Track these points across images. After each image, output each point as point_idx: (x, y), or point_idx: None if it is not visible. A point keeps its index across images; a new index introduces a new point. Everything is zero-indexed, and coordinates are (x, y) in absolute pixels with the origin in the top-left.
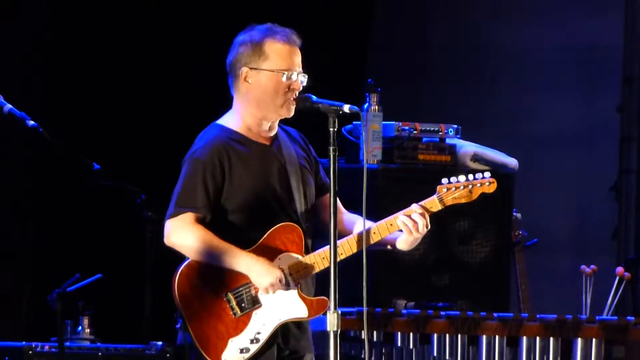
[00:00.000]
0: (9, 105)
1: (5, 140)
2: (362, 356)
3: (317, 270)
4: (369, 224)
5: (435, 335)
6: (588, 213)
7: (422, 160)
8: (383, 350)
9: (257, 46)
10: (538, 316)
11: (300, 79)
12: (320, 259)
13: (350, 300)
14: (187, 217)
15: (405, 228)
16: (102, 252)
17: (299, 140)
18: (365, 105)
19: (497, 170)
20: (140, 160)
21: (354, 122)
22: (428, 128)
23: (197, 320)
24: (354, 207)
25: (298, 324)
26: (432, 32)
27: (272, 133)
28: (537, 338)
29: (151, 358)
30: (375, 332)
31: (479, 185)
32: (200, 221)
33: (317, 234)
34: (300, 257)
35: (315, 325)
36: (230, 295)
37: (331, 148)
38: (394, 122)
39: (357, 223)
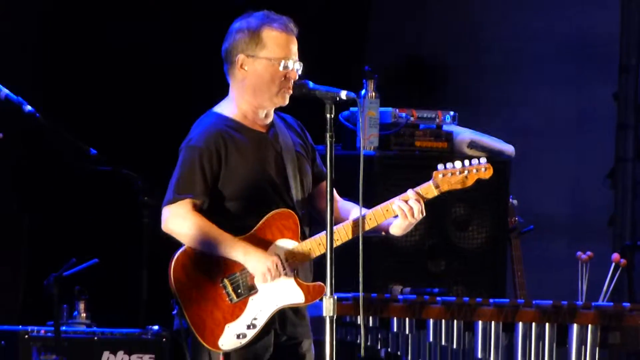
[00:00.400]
0: (6, 91)
1: (2, 125)
2: (358, 341)
3: (313, 256)
4: (365, 210)
5: (431, 321)
6: (584, 200)
7: (419, 147)
8: (379, 336)
9: (254, 34)
10: (534, 302)
11: (297, 68)
12: (316, 245)
13: (347, 286)
14: (185, 204)
15: (401, 213)
16: (98, 237)
17: (296, 127)
18: (362, 92)
19: (494, 157)
20: (137, 145)
21: (351, 109)
22: (425, 115)
23: (193, 306)
24: (350, 194)
25: (295, 309)
26: (430, 21)
27: (268, 120)
28: (533, 324)
29: (147, 343)
30: (371, 318)
31: (474, 171)
32: (198, 208)
33: (313, 220)
34: (296, 243)
35: (312, 311)
36: (226, 281)
37: (328, 134)
38: (390, 109)
39: (353, 210)
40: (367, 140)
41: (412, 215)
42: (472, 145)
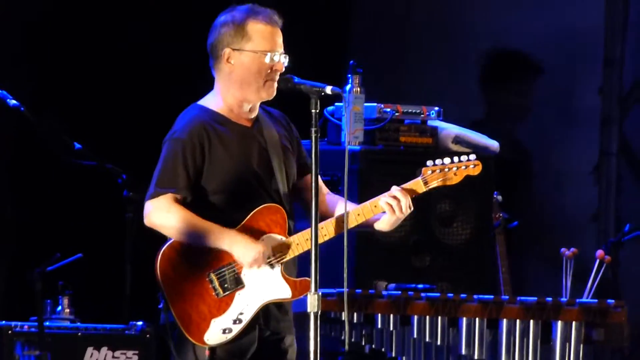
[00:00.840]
0: None
1: None
2: (343, 337)
3: (300, 251)
4: (352, 206)
5: (416, 317)
6: (568, 196)
7: (404, 143)
8: (363, 332)
9: (239, 27)
10: (518, 298)
11: (282, 60)
12: (303, 240)
13: (331, 282)
14: (168, 198)
15: (389, 208)
16: (82, 231)
17: (281, 121)
18: (348, 87)
19: (479, 153)
20: (122, 140)
21: (336, 104)
22: (410, 110)
23: (179, 300)
24: (335, 189)
25: (279, 305)
26: (414, 17)
27: (254, 114)
28: (517, 320)
29: (131, 338)
30: (355, 314)
31: (463, 167)
32: (181, 202)
33: (300, 215)
34: (283, 238)
35: (296, 307)
36: (212, 276)
37: (313, 129)
38: (375, 104)
39: (339, 204)
40: (352, 136)
41: (400, 210)
42: (457, 140)
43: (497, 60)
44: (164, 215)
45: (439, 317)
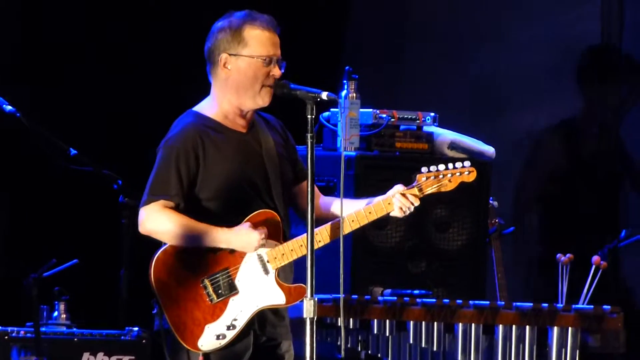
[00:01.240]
0: None
1: None
2: (339, 343)
3: (295, 257)
4: (349, 210)
5: (412, 323)
6: (565, 201)
7: (400, 148)
8: (359, 338)
9: (236, 32)
10: (514, 304)
11: (280, 65)
12: (298, 246)
13: (327, 287)
14: (160, 204)
15: (399, 210)
16: (78, 237)
17: (277, 127)
18: (343, 93)
19: (474, 159)
20: (117, 145)
21: (332, 109)
22: (405, 116)
23: (173, 306)
24: (331, 194)
25: (275, 310)
26: (410, 23)
27: (249, 121)
28: (513, 326)
29: (127, 344)
30: (351, 319)
31: (458, 174)
32: (174, 209)
33: (296, 221)
34: (278, 244)
35: (292, 312)
36: (206, 282)
37: (309, 135)
38: (371, 110)
39: (334, 204)
40: (348, 141)
41: (405, 211)
42: (453, 146)
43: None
44: (158, 220)
45: (435, 323)
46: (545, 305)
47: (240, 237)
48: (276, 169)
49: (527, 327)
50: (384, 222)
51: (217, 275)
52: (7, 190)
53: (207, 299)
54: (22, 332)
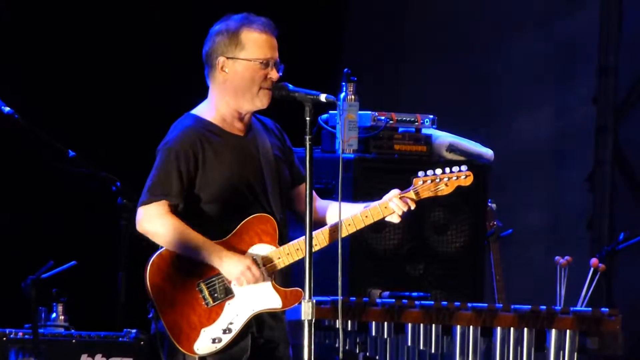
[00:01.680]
0: None
1: None
2: (337, 345)
3: (291, 261)
4: (345, 214)
5: (410, 325)
6: (563, 204)
7: (398, 151)
8: (357, 340)
9: (233, 35)
10: (512, 307)
11: (277, 68)
12: (294, 250)
13: (325, 290)
14: (160, 205)
15: (399, 210)
16: (76, 239)
17: (274, 130)
18: (342, 95)
19: (473, 161)
20: (116, 147)
21: (330, 112)
22: (404, 118)
23: (169, 310)
24: (329, 197)
25: (273, 313)
26: (409, 24)
27: (247, 124)
28: (511, 328)
29: (125, 345)
30: (349, 322)
31: (455, 178)
32: (173, 209)
33: (293, 224)
34: (274, 248)
35: (290, 315)
36: (202, 285)
37: (307, 137)
38: (370, 112)
39: (330, 208)
40: (346, 143)
41: (401, 215)
42: (451, 148)
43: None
44: (155, 223)
45: (433, 325)
46: (544, 307)
47: (228, 262)
48: (273, 172)
49: (525, 329)
50: (382, 224)
51: (213, 279)
52: (5, 191)
53: (203, 303)
54: (20, 334)
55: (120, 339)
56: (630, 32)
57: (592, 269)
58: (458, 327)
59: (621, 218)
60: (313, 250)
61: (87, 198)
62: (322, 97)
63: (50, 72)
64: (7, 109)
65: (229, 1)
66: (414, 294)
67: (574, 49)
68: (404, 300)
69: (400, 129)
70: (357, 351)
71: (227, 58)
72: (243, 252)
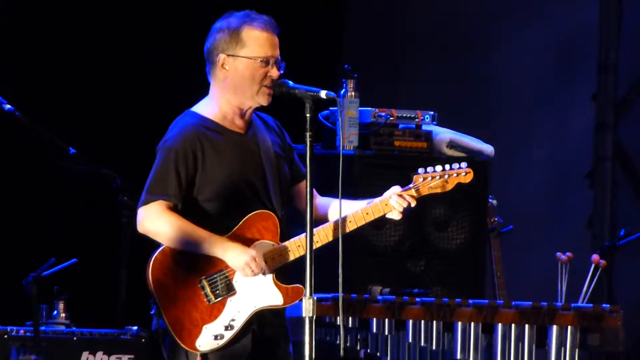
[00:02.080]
0: None
1: None
2: (338, 342)
3: (292, 258)
4: (346, 212)
5: (411, 322)
6: (563, 200)
7: (398, 147)
8: (358, 336)
9: (234, 33)
10: (513, 303)
11: (278, 66)
12: (295, 246)
13: (326, 287)
14: (159, 205)
15: (399, 207)
16: (77, 236)
17: (274, 127)
18: (342, 91)
19: (473, 157)
20: (116, 144)
21: (331, 108)
22: (404, 114)
23: (171, 306)
24: (329, 193)
25: (274, 310)
26: (409, 20)
27: (247, 121)
28: (513, 325)
29: (126, 343)
30: (350, 318)
31: (455, 175)
32: (172, 209)
33: (293, 221)
34: (275, 244)
35: (291, 312)
36: (204, 282)
37: (308, 134)
38: (370, 109)
39: (332, 205)
40: (347, 140)
41: (402, 212)
42: (451, 145)
43: None
44: (156, 221)
45: (434, 322)
46: (545, 303)
47: (233, 252)
48: (274, 169)
49: (527, 325)
50: (383, 221)
51: (215, 276)
52: (6, 189)
53: (205, 300)
54: (21, 331)
55: (121, 336)
56: (630, 29)
57: (593, 265)
58: (459, 323)
59: (622, 214)
60: (315, 247)
61: (88, 195)
62: (323, 94)
63: (50, 71)
64: (7, 106)
65: (230, 1)
66: (415, 290)
67: (574, 47)
68: (404, 297)
69: (401, 126)
70: (358, 348)
71: (228, 55)
72: (244, 244)
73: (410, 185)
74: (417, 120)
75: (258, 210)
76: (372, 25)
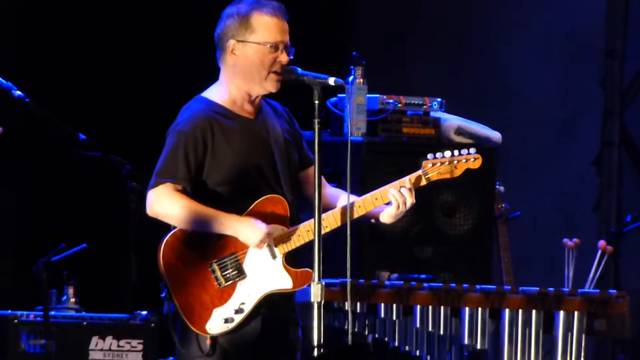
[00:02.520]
0: None
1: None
2: (346, 327)
3: (302, 242)
4: (354, 197)
5: (418, 307)
6: (570, 186)
7: (406, 134)
8: (366, 322)
9: (244, 19)
10: (520, 289)
11: (287, 52)
12: (305, 231)
13: (334, 272)
14: (168, 187)
15: (395, 201)
16: (87, 222)
17: (283, 114)
18: (350, 78)
19: (481, 144)
20: (126, 130)
21: (339, 95)
22: (412, 101)
23: (181, 290)
24: (337, 180)
25: (283, 294)
26: (418, 6)
27: (257, 107)
28: (520, 310)
29: (135, 327)
30: (358, 304)
31: (464, 160)
32: (181, 192)
33: (301, 207)
34: (285, 229)
35: (300, 296)
36: (215, 266)
37: (316, 121)
38: (378, 95)
39: (341, 197)
40: (355, 127)
41: (405, 204)
42: (459, 131)
43: None
44: (166, 203)
45: (442, 307)
46: (552, 289)
47: (246, 228)
48: (283, 155)
49: (534, 311)
50: None
51: (225, 260)
52: (16, 175)
53: (215, 283)
54: (31, 316)
55: (131, 321)
56: (638, 17)
57: (599, 251)
58: (466, 309)
59: (628, 200)
60: (323, 232)
61: (97, 181)
62: (331, 81)
63: (60, 58)
64: (18, 92)
65: None
66: (423, 276)
67: (581, 34)
68: (412, 282)
69: (409, 112)
70: (366, 333)
71: (238, 41)
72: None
73: (420, 171)
74: (425, 107)
75: (268, 194)
76: (381, 12)
